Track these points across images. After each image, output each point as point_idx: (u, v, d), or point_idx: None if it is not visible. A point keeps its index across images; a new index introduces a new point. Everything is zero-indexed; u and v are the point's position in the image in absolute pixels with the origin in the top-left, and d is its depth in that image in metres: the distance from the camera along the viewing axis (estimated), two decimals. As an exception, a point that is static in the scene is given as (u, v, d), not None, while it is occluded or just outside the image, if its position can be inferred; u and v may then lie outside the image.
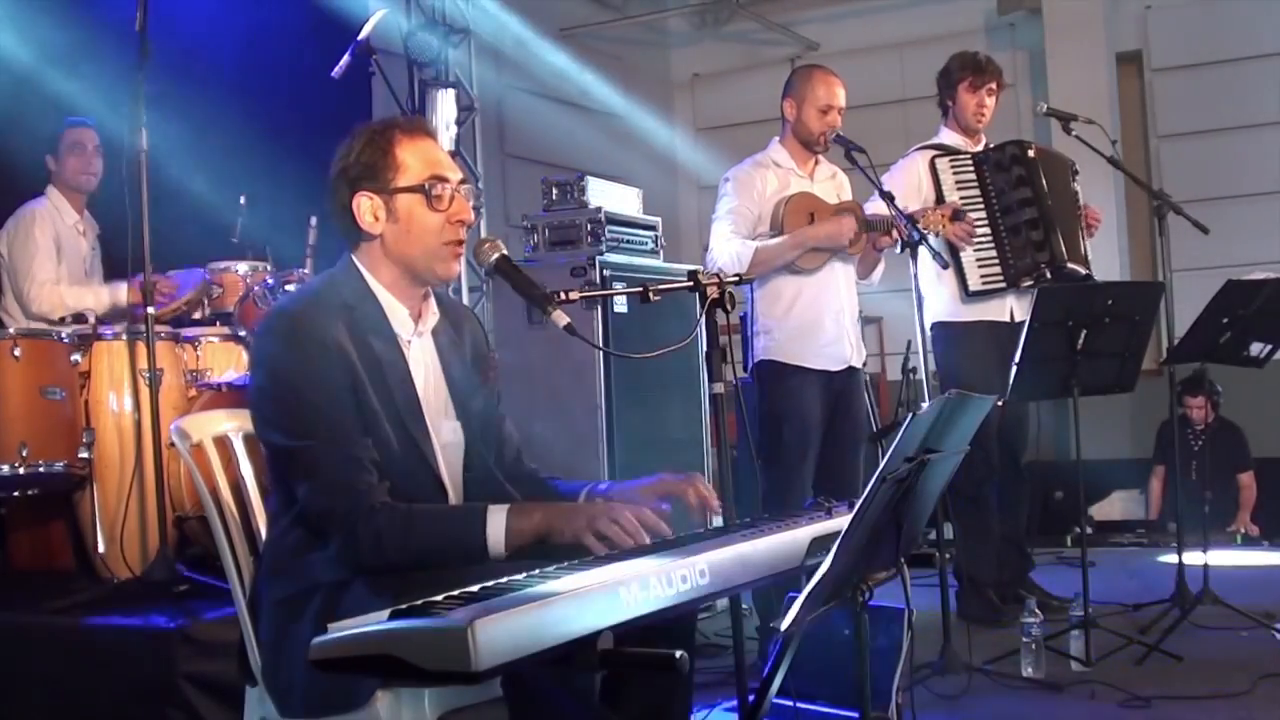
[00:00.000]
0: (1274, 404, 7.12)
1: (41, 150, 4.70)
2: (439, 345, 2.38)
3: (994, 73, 4.73)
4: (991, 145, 4.75)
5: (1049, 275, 4.51)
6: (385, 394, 2.22)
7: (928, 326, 4.48)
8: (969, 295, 4.57)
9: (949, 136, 4.77)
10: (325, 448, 2.12)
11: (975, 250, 4.56)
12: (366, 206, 2.27)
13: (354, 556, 2.10)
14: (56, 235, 4.61)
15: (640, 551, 1.92)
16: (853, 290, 4.35)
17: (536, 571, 1.74)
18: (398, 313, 2.31)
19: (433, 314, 2.38)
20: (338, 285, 2.28)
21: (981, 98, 4.70)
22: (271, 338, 2.20)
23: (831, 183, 4.36)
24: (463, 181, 2.32)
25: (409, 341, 2.32)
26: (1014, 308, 4.61)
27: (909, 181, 4.60)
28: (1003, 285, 4.57)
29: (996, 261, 4.58)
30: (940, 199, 4.57)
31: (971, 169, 4.65)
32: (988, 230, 4.57)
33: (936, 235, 4.29)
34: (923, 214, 4.23)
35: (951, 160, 4.66)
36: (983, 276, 4.57)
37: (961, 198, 4.58)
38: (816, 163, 4.33)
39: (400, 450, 2.22)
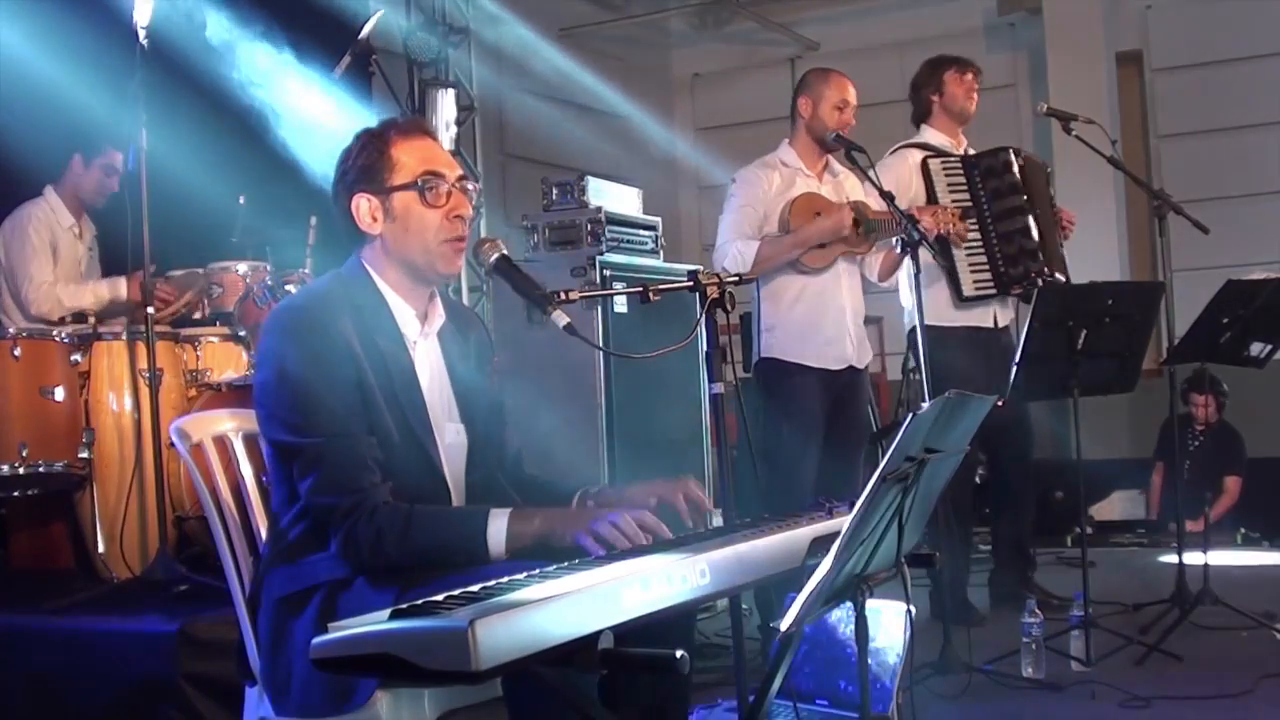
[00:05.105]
0: (1273, 404, 7.10)
1: (42, 150, 4.68)
2: (444, 347, 2.39)
3: (973, 63, 4.79)
4: (975, 151, 4.75)
5: (1039, 284, 4.51)
6: (390, 394, 2.22)
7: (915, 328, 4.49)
8: (962, 300, 4.57)
9: (934, 136, 4.77)
10: (330, 445, 2.12)
11: (967, 254, 4.56)
12: (364, 208, 2.28)
13: (355, 554, 2.10)
14: (53, 236, 4.61)
15: (640, 552, 1.92)
16: (857, 291, 4.35)
17: (537, 571, 1.74)
18: (404, 313, 2.32)
19: (439, 316, 2.38)
20: (346, 285, 2.29)
21: (970, 83, 4.74)
22: (279, 334, 2.20)
23: (841, 184, 4.36)
24: (462, 178, 2.32)
25: (415, 342, 2.32)
26: (997, 313, 4.64)
27: (899, 180, 4.57)
28: (994, 292, 4.58)
29: (987, 267, 4.58)
30: (932, 200, 4.57)
31: (961, 173, 4.65)
32: (978, 236, 4.57)
33: (945, 234, 4.29)
34: (933, 212, 4.23)
35: (943, 162, 4.66)
36: (975, 282, 4.57)
37: (954, 201, 4.58)
38: (826, 164, 4.34)
39: (404, 450, 2.22)
